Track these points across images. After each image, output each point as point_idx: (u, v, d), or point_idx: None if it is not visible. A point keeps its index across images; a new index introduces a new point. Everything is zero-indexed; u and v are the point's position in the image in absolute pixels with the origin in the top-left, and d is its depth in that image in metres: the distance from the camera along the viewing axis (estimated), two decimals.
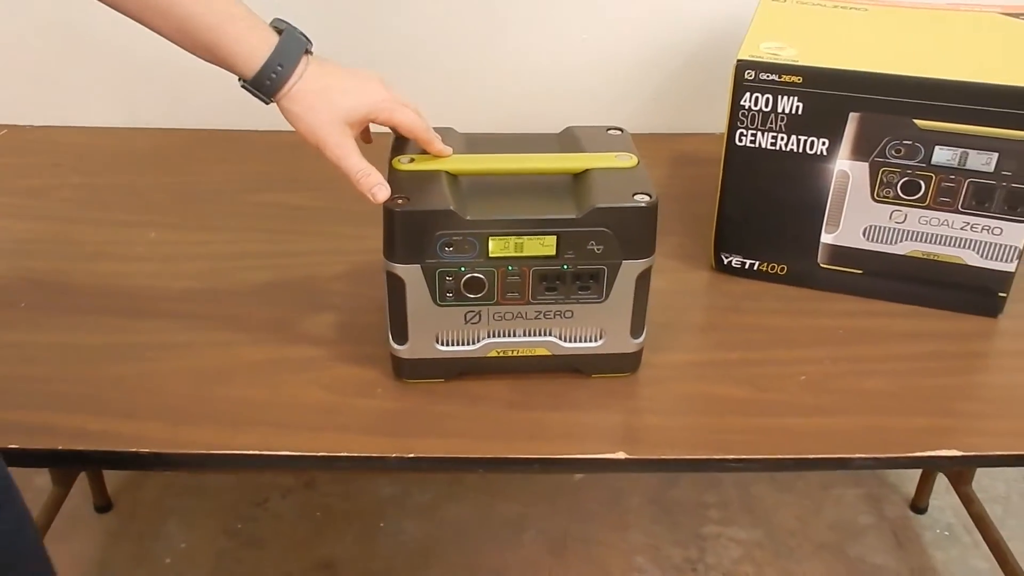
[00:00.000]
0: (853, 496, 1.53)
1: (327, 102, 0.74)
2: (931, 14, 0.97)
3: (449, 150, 0.80)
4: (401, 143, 0.82)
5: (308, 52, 0.75)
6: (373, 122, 0.78)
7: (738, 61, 0.86)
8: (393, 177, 0.77)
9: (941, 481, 1.47)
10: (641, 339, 0.81)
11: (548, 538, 1.42)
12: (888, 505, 1.52)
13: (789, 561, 1.40)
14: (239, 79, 0.74)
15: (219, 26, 0.71)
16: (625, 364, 0.82)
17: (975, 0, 1.00)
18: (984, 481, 1.54)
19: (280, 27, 0.74)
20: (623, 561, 1.39)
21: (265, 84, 0.73)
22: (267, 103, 0.75)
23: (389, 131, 0.81)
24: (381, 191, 0.73)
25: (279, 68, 0.73)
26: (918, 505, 1.50)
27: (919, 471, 1.48)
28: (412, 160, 0.79)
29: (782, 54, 0.86)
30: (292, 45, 0.74)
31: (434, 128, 0.80)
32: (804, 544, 1.43)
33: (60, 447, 0.75)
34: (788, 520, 1.48)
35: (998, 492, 1.55)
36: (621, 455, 0.75)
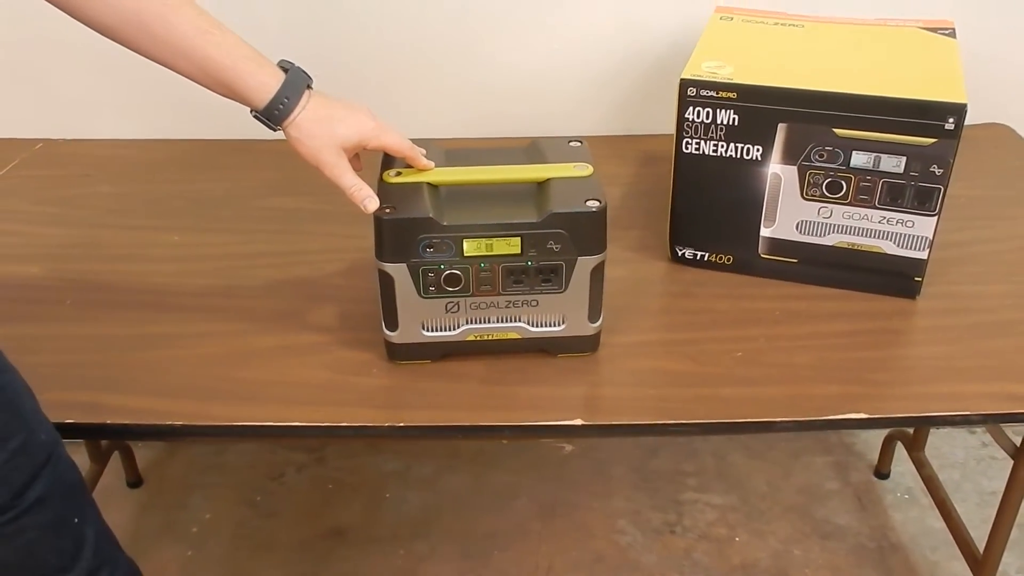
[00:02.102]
0: (821, 463, 1.64)
1: (325, 130, 0.85)
2: (858, 29, 1.09)
3: (431, 164, 0.92)
4: (390, 159, 0.93)
5: (309, 87, 0.86)
6: (365, 148, 0.89)
7: (681, 79, 0.97)
8: (382, 189, 0.89)
9: (903, 450, 1.59)
10: (598, 323, 0.93)
11: (538, 505, 1.54)
12: (853, 471, 1.62)
13: (759, 522, 1.51)
14: (251, 110, 0.85)
15: (233, 66, 0.82)
16: (585, 345, 0.94)
17: (899, 15, 1.12)
18: (944, 448, 1.65)
19: (286, 66, 0.85)
20: (606, 525, 1.50)
21: (274, 114, 0.84)
22: (274, 130, 0.86)
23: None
24: (371, 203, 0.85)
25: (286, 100, 0.83)
26: (881, 471, 1.61)
27: (882, 439, 1.60)
28: (399, 173, 0.91)
29: (720, 72, 0.98)
30: (297, 81, 0.84)
31: (417, 142, 0.92)
32: (773, 507, 1.54)
33: (108, 421, 0.87)
34: (760, 485, 1.59)
35: (956, 458, 1.65)
36: (578, 422, 0.86)
